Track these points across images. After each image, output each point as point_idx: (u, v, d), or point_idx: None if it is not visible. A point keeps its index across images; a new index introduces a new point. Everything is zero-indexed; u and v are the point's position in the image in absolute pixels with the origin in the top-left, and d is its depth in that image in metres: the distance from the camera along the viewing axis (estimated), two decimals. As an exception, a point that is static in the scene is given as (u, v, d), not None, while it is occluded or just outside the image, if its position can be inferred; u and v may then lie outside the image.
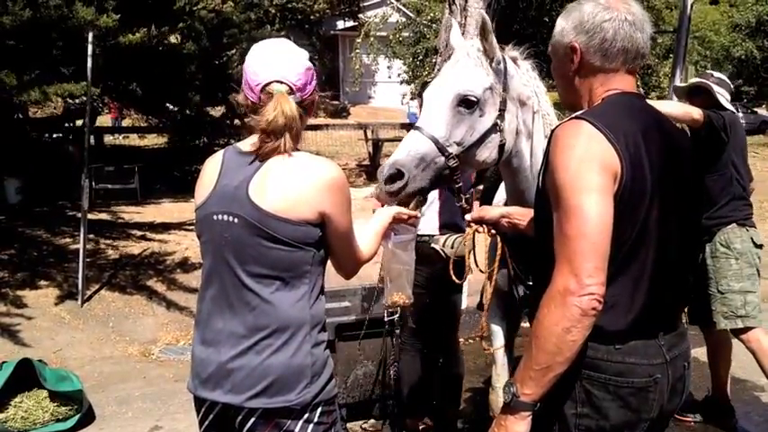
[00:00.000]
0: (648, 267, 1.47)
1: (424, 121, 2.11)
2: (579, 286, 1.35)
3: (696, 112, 3.29)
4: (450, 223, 3.21)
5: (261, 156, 1.68)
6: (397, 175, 2.03)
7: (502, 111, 2.12)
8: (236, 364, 1.66)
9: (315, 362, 1.69)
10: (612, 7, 1.55)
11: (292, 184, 1.65)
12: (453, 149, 2.07)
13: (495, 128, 2.12)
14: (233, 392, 1.66)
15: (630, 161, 1.43)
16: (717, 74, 3.72)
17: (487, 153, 2.14)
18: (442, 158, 2.06)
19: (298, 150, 1.72)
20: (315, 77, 1.77)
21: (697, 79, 3.68)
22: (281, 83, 1.68)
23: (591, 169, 1.39)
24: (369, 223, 2.05)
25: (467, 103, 2.08)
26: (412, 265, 2.35)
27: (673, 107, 3.35)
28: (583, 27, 1.56)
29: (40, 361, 4.10)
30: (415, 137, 2.08)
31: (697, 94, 3.56)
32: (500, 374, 2.73)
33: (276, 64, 1.69)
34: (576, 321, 1.36)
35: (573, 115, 1.53)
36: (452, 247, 3.08)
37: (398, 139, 2.40)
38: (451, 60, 2.22)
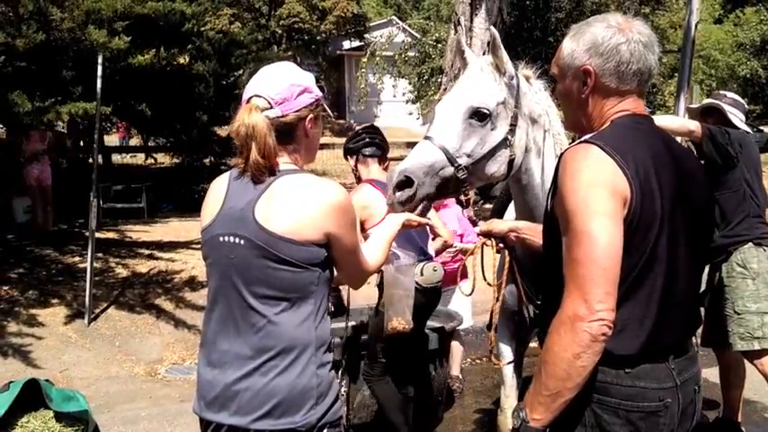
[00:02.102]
0: (658, 291, 1.46)
1: (435, 132, 2.12)
2: (589, 312, 1.34)
3: (693, 125, 3.26)
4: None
5: (250, 175, 1.68)
6: (405, 182, 2.04)
7: (513, 126, 2.14)
8: (241, 385, 1.66)
9: (320, 383, 1.68)
10: (626, 29, 1.53)
11: (298, 207, 1.66)
12: (463, 161, 2.09)
13: (505, 142, 2.13)
14: (238, 414, 1.66)
15: (640, 186, 1.42)
16: (730, 94, 3.68)
17: (496, 167, 2.16)
18: (451, 169, 2.07)
19: (275, 169, 1.68)
20: (305, 95, 1.72)
21: (709, 100, 3.67)
22: (259, 97, 1.70)
23: (600, 194, 1.38)
24: (378, 230, 2.04)
25: (479, 116, 2.10)
26: (412, 290, 2.33)
27: (670, 121, 3.36)
28: (597, 50, 1.53)
29: (46, 381, 4.09)
30: (425, 146, 2.09)
31: (710, 114, 3.55)
32: (508, 396, 2.70)
33: (259, 81, 1.73)
34: (585, 347, 1.35)
35: (582, 139, 1.52)
36: (422, 275, 3.00)
37: (404, 158, 2.40)
38: (465, 74, 2.24)
